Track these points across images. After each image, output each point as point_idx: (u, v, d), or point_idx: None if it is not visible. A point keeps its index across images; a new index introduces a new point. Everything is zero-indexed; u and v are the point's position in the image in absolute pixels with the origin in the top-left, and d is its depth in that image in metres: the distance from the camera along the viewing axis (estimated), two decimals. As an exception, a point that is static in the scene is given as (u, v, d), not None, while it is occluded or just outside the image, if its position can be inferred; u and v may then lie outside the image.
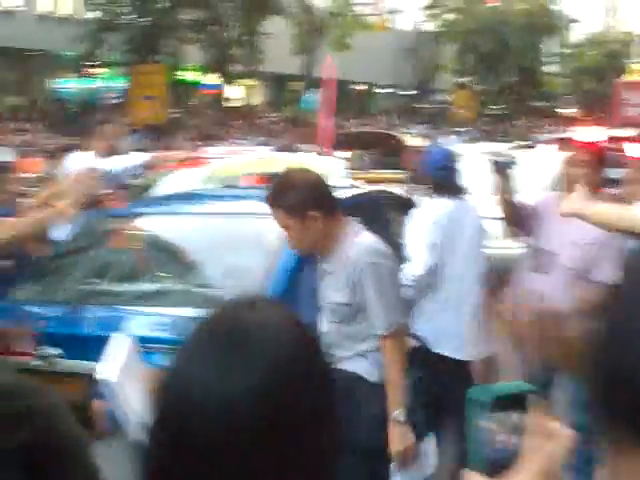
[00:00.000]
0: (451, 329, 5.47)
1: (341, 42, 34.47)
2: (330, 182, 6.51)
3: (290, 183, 4.19)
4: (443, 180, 5.65)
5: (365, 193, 6.63)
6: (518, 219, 5.69)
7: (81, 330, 5.13)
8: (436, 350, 5.47)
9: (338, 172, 6.76)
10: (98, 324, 5.24)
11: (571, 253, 5.38)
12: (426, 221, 5.53)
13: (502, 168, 5.57)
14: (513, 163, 5.66)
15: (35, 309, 5.52)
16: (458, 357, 5.45)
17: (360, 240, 4.23)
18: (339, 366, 4.14)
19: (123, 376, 2.59)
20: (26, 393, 1.32)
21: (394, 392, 4.18)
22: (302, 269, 5.05)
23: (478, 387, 1.33)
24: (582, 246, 5.34)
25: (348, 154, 16.10)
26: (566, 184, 5.44)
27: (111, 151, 7.68)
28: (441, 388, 5.43)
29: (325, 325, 4.29)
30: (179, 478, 1.38)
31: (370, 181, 12.90)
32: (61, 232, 6.52)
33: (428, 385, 5.33)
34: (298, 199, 4.09)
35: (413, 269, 5.47)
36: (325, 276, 4.33)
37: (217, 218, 6.03)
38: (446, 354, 5.45)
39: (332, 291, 4.26)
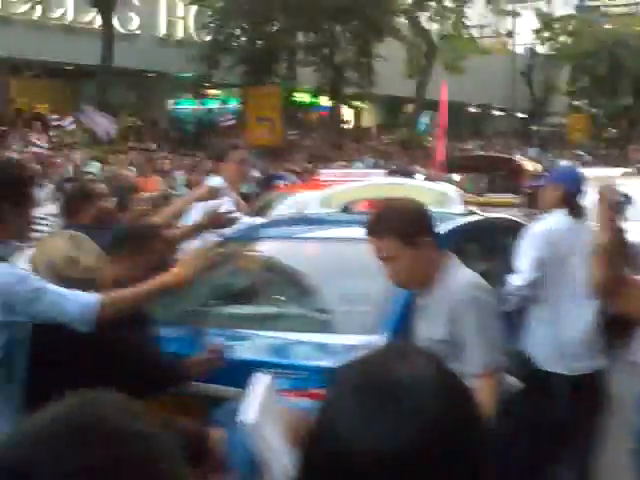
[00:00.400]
0: (561, 345, 5.41)
1: (455, 65, 34.33)
2: (447, 208, 6.52)
3: (397, 211, 4.06)
4: (569, 196, 5.62)
5: (483, 220, 6.58)
6: (632, 259, 5.58)
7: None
8: (546, 368, 5.42)
9: (454, 198, 6.71)
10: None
11: None
12: (537, 234, 5.53)
13: (614, 207, 5.49)
14: (625, 202, 5.57)
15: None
16: (567, 372, 5.39)
17: (460, 274, 4.12)
18: None
19: (262, 418, 2.52)
20: (138, 438, 1.29)
21: None
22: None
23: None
24: None
25: (457, 177, 16.03)
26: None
27: (242, 177, 7.78)
28: (557, 412, 5.36)
29: None
30: None
31: (486, 205, 12.90)
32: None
33: (541, 411, 5.28)
34: (408, 226, 3.98)
35: (515, 280, 5.46)
36: (422, 311, 4.23)
37: (333, 243, 6.04)
38: (557, 371, 5.40)
39: (429, 327, 4.13)
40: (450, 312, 4.02)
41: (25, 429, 1.28)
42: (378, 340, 4.76)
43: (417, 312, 4.27)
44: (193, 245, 5.84)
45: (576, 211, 5.62)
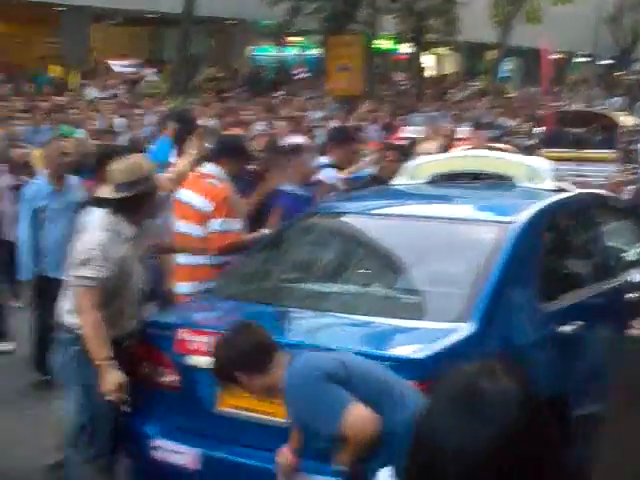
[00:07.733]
0: None
1: (535, 14, 33.63)
2: (537, 183, 6.32)
3: None
4: None
5: (572, 197, 6.35)
6: None
7: (284, 337, 4.79)
8: None
9: (544, 172, 6.50)
10: (298, 330, 5.13)
11: None
12: None
13: None
14: None
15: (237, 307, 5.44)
16: None
17: None
18: None
19: None
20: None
21: None
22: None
23: None
24: None
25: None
26: None
27: (352, 163, 8.62)
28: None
29: None
30: None
31: (583, 160, 12.92)
32: None
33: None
34: None
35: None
36: None
37: (422, 221, 5.84)
38: None
39: None
40: None
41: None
42: (465, 329, 4.62)
43: None
44: None
45: None
